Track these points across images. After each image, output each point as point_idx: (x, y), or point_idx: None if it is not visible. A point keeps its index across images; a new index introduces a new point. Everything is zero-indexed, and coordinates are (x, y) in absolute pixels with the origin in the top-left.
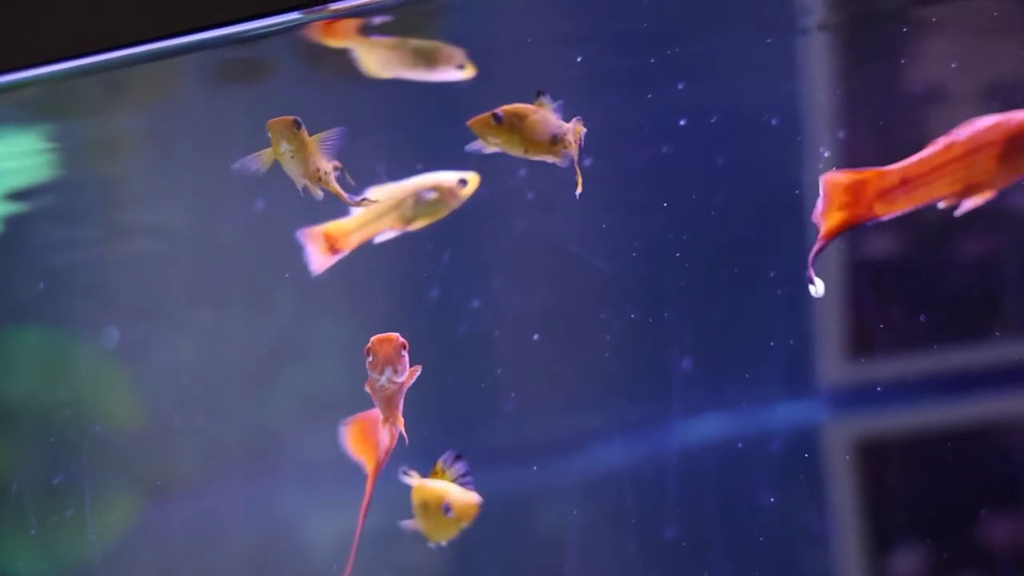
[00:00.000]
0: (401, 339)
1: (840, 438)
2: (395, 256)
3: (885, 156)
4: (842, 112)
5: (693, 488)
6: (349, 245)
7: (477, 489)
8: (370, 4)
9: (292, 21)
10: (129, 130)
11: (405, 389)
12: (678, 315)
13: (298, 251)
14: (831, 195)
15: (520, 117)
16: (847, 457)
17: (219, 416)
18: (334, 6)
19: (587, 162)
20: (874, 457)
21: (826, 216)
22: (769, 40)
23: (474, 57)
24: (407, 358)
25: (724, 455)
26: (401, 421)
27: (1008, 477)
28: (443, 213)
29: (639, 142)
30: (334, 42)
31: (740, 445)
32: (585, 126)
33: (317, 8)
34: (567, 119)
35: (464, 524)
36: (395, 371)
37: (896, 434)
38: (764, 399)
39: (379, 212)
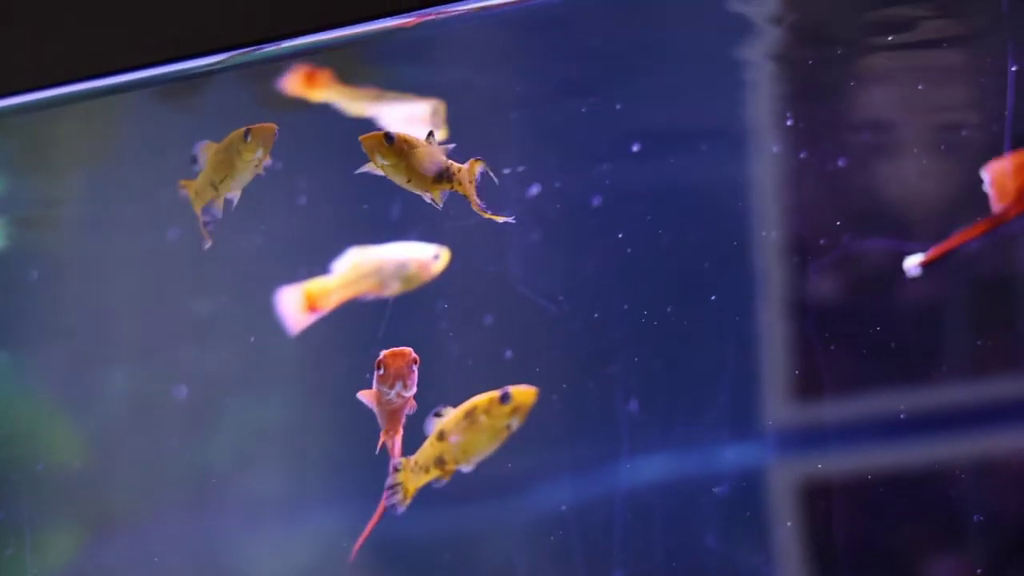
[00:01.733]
0: (413, 354)
1: (785, 481)
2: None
3: (834, 200)
4: (790, 156)
5: (638, 530)
6: (328, 305)
7: (422, 528)
8: (313, 43)
9: (233, 59)
10: (67, 160)
11: (409, 404)
12: (624, 356)
13: (238, 284)
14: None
15: (410, 144)
16: (791, 499)
17: (161, 454)
18: (283, 44)
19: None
20: (819, 499)
21: (1000, 202)
22: (715, 83)
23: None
24: (416, 373)
25: (668, 498)
26: (400, 434)
27: (952, 520)
28: (416, 284)
29: (587, 185)
30: (315, 94)
31: (686, 488)
32: (485, 166)
33: (256, 47)
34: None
35: (518, 420)
36: (405, 386)
37: (841, 477)
38: (709, 441)
39: (358, 275)
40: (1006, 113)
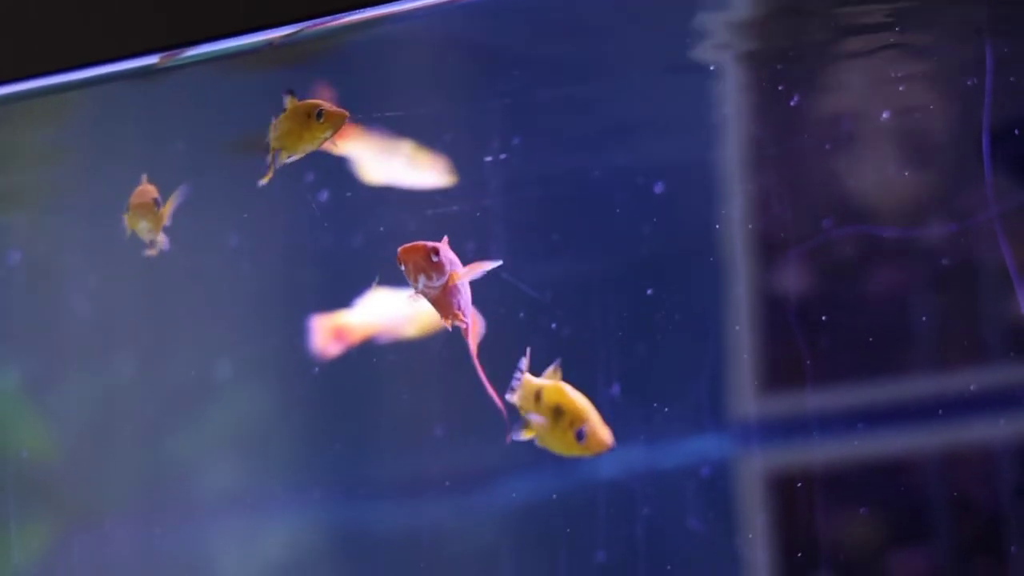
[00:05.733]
0: (429, 245)
1: (754, 471)
2: (316, 286)
3: (800, 193)
4: (759, 148)
5: (608, 518)
6: (354, 338)
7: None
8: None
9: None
10: (28, 160)
11: (461, 287)
12: (603, 346)
13: (211, 278)
14: None
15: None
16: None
17: (134, 449)
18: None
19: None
20: (787, 490)
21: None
22: (684, 75)
23: (378, 100)
24: (443, 260)
25: (637, 486)
26: (461, 318)
27: (919, 511)
28: (429, 331)
29: (565, 173)
30: (337, 149)
31: (655, 478)
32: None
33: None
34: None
35: (585, 455)
36: (428, 278)
37: (810, 467)
38: (679, 431)
39: (379, 316)
40: (983, 108)
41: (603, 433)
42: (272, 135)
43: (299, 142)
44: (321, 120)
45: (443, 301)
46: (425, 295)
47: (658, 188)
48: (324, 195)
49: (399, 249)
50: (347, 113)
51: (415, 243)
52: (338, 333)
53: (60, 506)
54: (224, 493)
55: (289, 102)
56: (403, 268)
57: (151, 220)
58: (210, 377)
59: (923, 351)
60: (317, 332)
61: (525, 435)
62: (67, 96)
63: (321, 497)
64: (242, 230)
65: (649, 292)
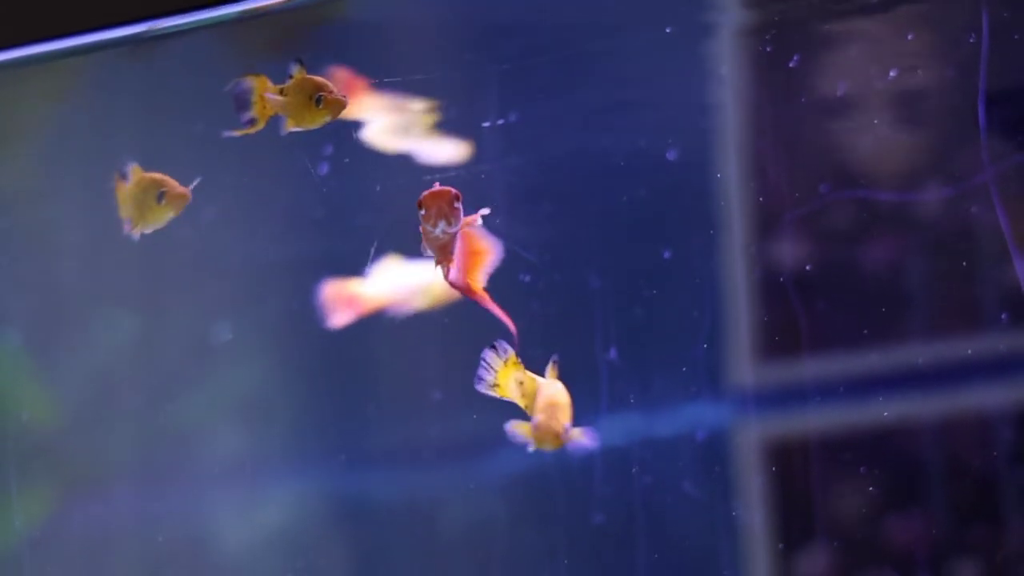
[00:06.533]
0: (454, 191)
1: (751, 438)
2: (318, 254)
3: (798, 158)
4: (757, 112)
5: (606, 483)
6: (366, 307)
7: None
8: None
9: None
10: (26, 127)
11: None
12: (600, 312)
13: (214, 244)
14: None
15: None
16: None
17: (136, 413)
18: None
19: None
20: (784, 457)
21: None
22: (683, 36)
23: (379, 63)
24: (460, 209)
25: (636, 452)
26: (453, 263)
27: (916, 477)
28: (440, 302)
29: (564, 138)
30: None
31: (650, 446)
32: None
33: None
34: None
35: (543, 447)
36: (448, 223)
37: (806, 434)
38: (677, 398)
39: (391, 287)
40: (979, 70)
41: (555, 424)
42: (255, 92)
43: (300, 120)
44: (320, 107)
45: (448, 248)
46: (436, 240)
47: (657, 153)
48: (323, 166)
49: (424, 193)
50: (347, 102)
51: (441, 188)
52: (349, 302)
53: (61, 470)
54: (226, 459)
55: (298, 71)
56: (423, 212)
57: (164, 210)
58: (213, 343)
59: (920, 317)
60: (328, 300)
61: (524, 434)
62: (63, 63)
63: (323, 465)
64: (244, 196)
65: (654, 257)
